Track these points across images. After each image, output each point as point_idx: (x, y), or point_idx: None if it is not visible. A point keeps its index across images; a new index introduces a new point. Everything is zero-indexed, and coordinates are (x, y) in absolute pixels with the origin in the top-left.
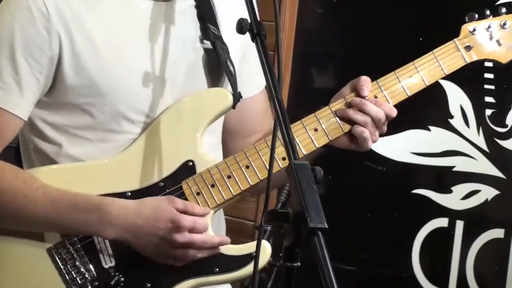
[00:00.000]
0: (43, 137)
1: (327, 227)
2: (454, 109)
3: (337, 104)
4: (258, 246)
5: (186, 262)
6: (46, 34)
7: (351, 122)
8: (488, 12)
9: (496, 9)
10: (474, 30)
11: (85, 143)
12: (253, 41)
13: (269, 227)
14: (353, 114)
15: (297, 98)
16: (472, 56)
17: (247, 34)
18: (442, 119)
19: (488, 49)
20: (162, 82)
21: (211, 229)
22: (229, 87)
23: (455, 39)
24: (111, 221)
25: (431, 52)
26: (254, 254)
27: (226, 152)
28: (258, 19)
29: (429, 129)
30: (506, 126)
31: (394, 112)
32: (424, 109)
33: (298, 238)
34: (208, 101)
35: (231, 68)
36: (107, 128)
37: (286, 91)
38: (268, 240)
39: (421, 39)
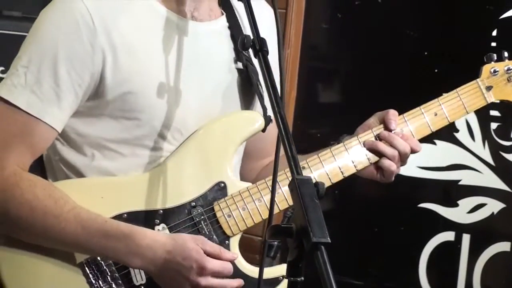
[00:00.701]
0: (74, 148)
1: (330, 241)
2: (459, 123)
3: (365, 135)
4: (262, 260)
5: None
6: (90, 49)
7: (379, 154)
8: (506, 54)
9: None
10: (495, 71)
11: (117, 157)
12: (255, 57)
13: (275, 242)
14: (383, 147)
15: (303, 112)
16: (491, 97)
17: (275, 56)
18: (447, 133)
19: (507, 90)
20: (195, 101)
21: (240, 255)
22: (260, 110)
23: (477, 80)
24: (139, 252)
25: (454, 91)
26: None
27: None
28: (261, 36)
29: (435, 143)
30: (511, 139)
31: (419, 147)
32: None
33: (301, 252)
34: (240, 123)
35: (261, 90)
36: (141, 143)
37: (292, 106)
38: (275, 254)
39: (426, 53)
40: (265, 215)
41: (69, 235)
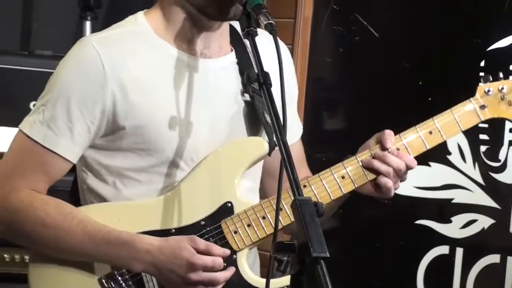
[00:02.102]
0: (98, 178)
1: (328, 256)
2: (452, 146)
3: (363, 155)
4: (268, 274)
5: None
6: (100, 89)
7: (376, 172)
8: (501, 75)
9: (509, 72)
10: (489, 91)
11: (136, 184)
12: (259, 89)
13: (285, 258)
14: (378, 164)
15: (310, 139)
16: (486, 114)
17: (292, 85)
18: (441, 155)
19: (501, 108)
20: (205, 131)
21: (246, 264)
22: (266, 137)
23: (471, 99)
24: (139, 256)
25: (449, 110)
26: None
27: (263, 192)
28: (264, 70)
29: (429, 165)
30: (499, 160)
31: (414, 163)
32: None
33: (303, 266)
34: (246, 148)
35: (268, 119)
36: (156, 171)
37: None
38: (285, 268)
39: (420, 83)
40: (269, 230)
41: (78, 245)
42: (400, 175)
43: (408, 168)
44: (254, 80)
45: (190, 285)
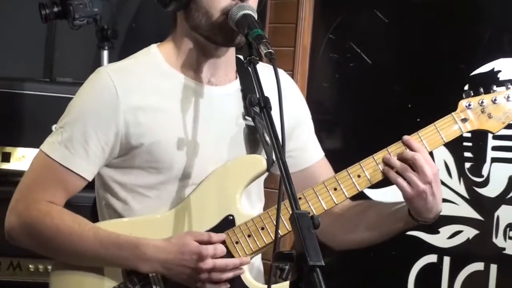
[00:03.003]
0: (114, 195)
1: (324, 264)
2: (438, 163)
3: (379, 154)
4: (270, 281)
5: (216, 283)
6: (114, 113)
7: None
8: (481, 90)
9: (488, 87)
10: (469, 105)
11: (147, 200)
12: (260, 112)
13: (287, 266)
14: (394, 161)
15: None
16: (467, 127)
17: (298, 108)
18: None
19: (481, 121)
20: (209, 151)
21: (247, 272)
22: (265, 155)
23: (453, 113)
24: (146, 257)
25: (432, 124)
26: None
27: None
28: (265, 94)
29: None
30: (482, 176)
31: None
32: None
33: (301, 274)
34: (246, 165)
35: (267, 139)
36: (164, 187)
37: None
38: (287, 276)
39: (409, 105)
40: (268, 240)
41: (90, 249)
42: (418, 171)
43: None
44: (256, 104)
45: (203, 273)
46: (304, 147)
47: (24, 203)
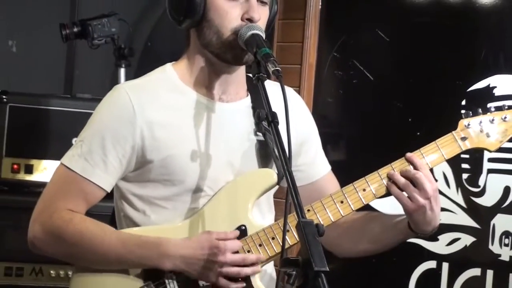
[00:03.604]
0: (131, 206)
1: (328, 269)
2: (437, 174)
3: (384, 169)
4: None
5: (234, 277)
6: (131, 128)
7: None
8: (480, 110)
9: (486, 108)
10: (468, 124)
11: (163, 211)
12: (268, 126)
13: (294, 272)
14: (394, 174)
15: None
16: (467, 145)
17: (306, 124)
18: None
19: (480, 139)
20: (222, 165)
21: (258, 279)
22: (275, 169)
23: (453, 132)
24: (168, 254)
25: (434, 142)
26: None
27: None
28: (272, 110)
29: None
30: (479, 186)
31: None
32: None
33: (306, 279)
34: (258, 178)
35: (277, 154)
36: (179, 199)
37: None
38: (294, 281)
39: (410, 119)
40: (278, 249)
41: (112, 251)
42: (418, 187)
43: (416, 168)
44: (264, 119)
45: (222, 267)
46: (313, 162)
47: (47, 213)
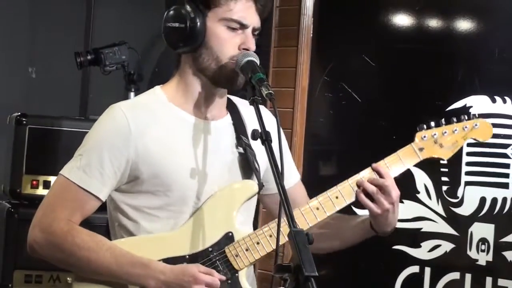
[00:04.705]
0: (125, 216)
1: (317, 275)
2: (420, 186)
3: (353, 178)
4: None
5: None
6: (126, 142)
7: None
8: (433, 124)
9: (438, 122)
10: (424, 137)
11: (156, 220)
12: (263, 144)
13: (288, 278)
14: (366, 185)
15: (309, 184)
16: (424, 155)
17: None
18: (411, 194)
19: (434, 150)
20: (208, 177)
21: (245, 280)
22: (256, 180)
23: (412, 143)
24: (155, 276)
25: (396, 153)
26: None
27: (272, 217)
28: (266, 129)
29: (402, 202)
30: (457, 197)
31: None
32: (398, 188)
33: (297, 284)
34: (241, 189)
35: (257, 167)
36: (171, 208)
37: None
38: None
39: (394, 137)
40: (262, 252)
41: (105, 266)
42: (384, 193)
43: (380, 176)
44: (258, 137)
45: None
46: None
47: (47, 221)
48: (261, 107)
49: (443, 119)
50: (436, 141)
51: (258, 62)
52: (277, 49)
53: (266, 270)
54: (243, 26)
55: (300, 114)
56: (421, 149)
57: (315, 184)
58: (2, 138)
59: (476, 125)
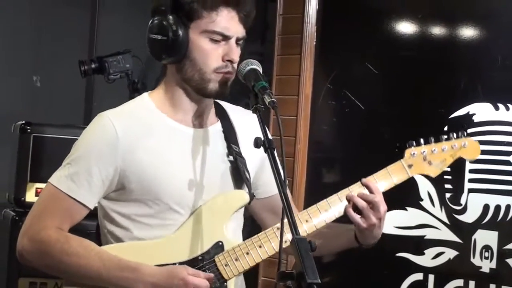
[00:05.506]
0: (115, 223)
1: (320, 282)
2: (423, 194)
3: (343, 192)
4: None
5: None
6: (114, 151)
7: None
8: (422, 141)
9: (427, 139)
10: (414, 154)
11: (146, 228)
12: (266, 152)
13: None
14: (353, 197)
15: (312, 190)
16: (413, 172)
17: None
18: (415, 201)
19: (423, 167)
20: (200, 185)
21: (233, 286)
22: (247, 189)
23: (401, 160)
24: (144, 279)
25: (385, 168)
26: None
27: (265, 227)
28: (269, 137)
29: (406, 209)
30: (461, 204)
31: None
32: (402, 195)
33: None
34: (232, 199)
35: (247, 176)
36: (162, 216)
37: (302, 187)
38: None
39: (398, 144)
40: (252, 263)
41: (94, 271)
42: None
43: (370, 190)
44: (261, 145)
45: None
46: (270, 179)
47: (35, 228)
48: (245, 112)
49: (432, 137)
50: (425, 158)
51: (260, 70)
52: (281, 57)
53: (269, 277)
54: (226, 38)
55: (303, 122)
56: (410, 166)
57: (318, 191)
58: (7, 146)
59: (464, 144)
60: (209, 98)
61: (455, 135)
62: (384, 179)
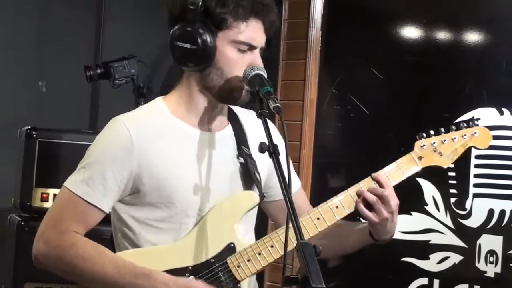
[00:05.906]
0: (129, 227)
1: (324, 286)
2: (428, 199)
3: (353, 188)
4: None
5: None
6: (128, 155)
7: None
8: (432, 132)
9: (437, 130)
10: (424, 145)
11: (159, 232)
12: (270, 157)
13: None
14: (366, 194)
15: (317, 195)
16: (423, 163)
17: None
18: (420, 206)
19: (433, 158)
20: (210, 188)
21: (247, 286)
22: (257, 190)
23: (411, 152)
24: (157, 286)
25: (395, 162)
26: None
27: (277, 225)
28: (274, 142)
29: (411, 214)
30: (465, 209)
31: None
32: (406, 200)
33: None
34: (242, 200)
35: (258, 177)
36: (174, 220)
37: (308, 191)
38: None
39: (402, 149)
40: (264, 263)
41: (109, 277)
42: (383, 202)
43: (380, 185)
44: (266, 150)
45: None
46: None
47: (51, 233)
48: (251, 113)
49: (442, 128)
50: (435, 149)
51: (265, 75)
52: (286, 62)
53: (274, 282)
54: (252, 48)
55: (308, 127)
56: (420, 158)
57: (324, 196)
58: (13, 151)
59: (475, 133)
60: (232, 105)
61: (465, 124)
62: (395, 173)
